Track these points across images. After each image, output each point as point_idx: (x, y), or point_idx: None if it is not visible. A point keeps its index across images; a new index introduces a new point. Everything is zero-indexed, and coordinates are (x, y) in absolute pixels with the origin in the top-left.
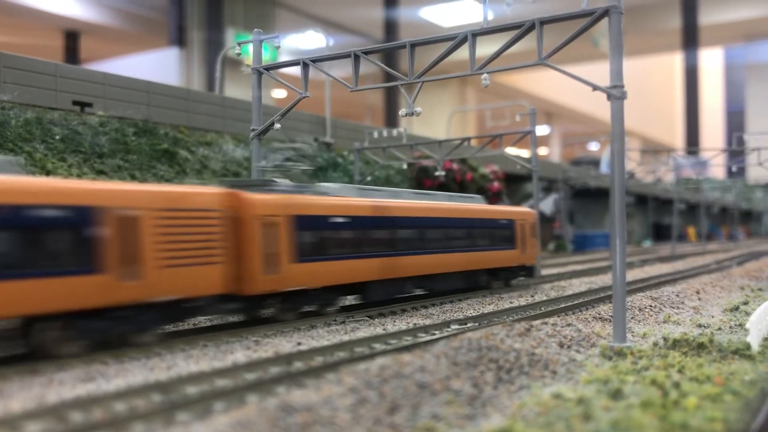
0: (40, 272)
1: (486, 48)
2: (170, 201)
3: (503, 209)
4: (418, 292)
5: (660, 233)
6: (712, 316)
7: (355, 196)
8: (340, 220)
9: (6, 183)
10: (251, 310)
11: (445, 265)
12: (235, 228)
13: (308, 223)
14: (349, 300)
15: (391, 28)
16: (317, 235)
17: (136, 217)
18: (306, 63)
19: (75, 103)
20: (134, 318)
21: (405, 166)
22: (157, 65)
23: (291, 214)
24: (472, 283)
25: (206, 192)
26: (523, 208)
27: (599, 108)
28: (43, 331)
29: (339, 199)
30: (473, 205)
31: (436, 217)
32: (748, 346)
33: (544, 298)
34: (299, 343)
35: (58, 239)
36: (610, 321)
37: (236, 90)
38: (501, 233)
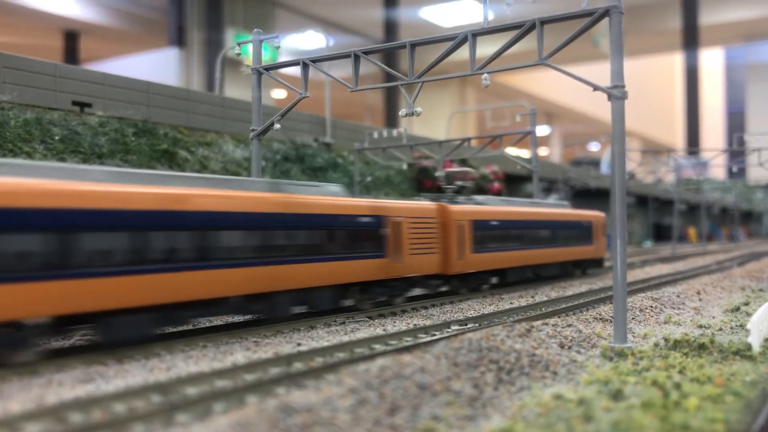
0: (362, 255)
1: (486, 48)
2: (415, 212)
3: (585, 213)
4: (530, 276)
5: (660, 234)
6: (713, 317)
7: (501, 205)
8: (495, 223)
9: (344, 201)
10: (449, 285)
11: (551, 256)
12: (443, 229)
13: (479, 225)
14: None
15: (391, 28)
16: (484, 233)
17: (400, 222)
18: (306, 63)
19: (74, 103)
20: (397, 287)
21: (405, 167)
22: (157, 65)
23: (471, 219)
24: (564, 272)
25: (430, 205)
26: (597, 212)
27: (599, 108)
28: (350, 294)
29: (493, 207)
30: (569, 210)
31: (547, 220)
32: (749, 347)
33: (545, 298)
34: (299, 344)
35: (369, 235)
36: (611, 321)
37: (236, 90)
38: (584, 233)
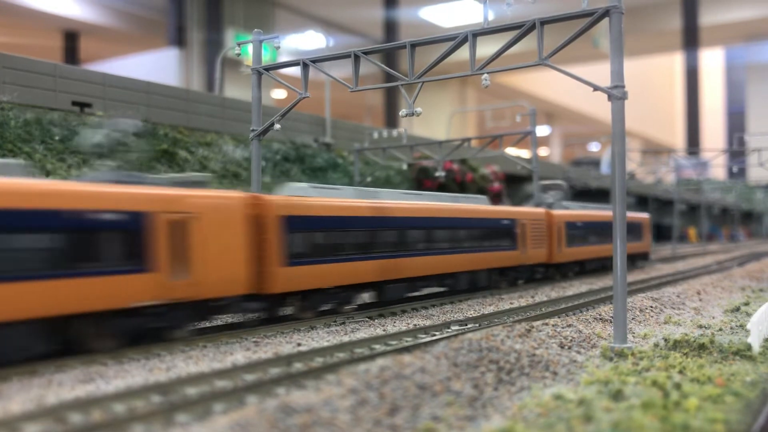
0: (504, 248)
1: (486, 48)
2: (533, 216)
3: (638, 215)
4: (600, 266)
5: (661, 234)
6: (713, 317)
7: (581, 210)
8: (580, 224)
9: (494, 208)
10: (549, 272)
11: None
12: (548, 229)
13: (570, 226)
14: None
15: (391, 28)
16: (573, 232)
17: (525, 224)
18: (306, 63)
19: (74, 103)
20: (523, 272)
21: (405, 167)
22: (157, 66)
23: (565, 221)
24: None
25: (540, 210)
26: (645, 214)
27: (600, 108)
28: (494, 276)
29: (579, 212)
30: (628, 213)
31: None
32: (749, 347)
33: (545, 298)
34: (299, 344)
35: (508, 233)
36: (611, 322)
37: (236, 90)
38: (638, 231)
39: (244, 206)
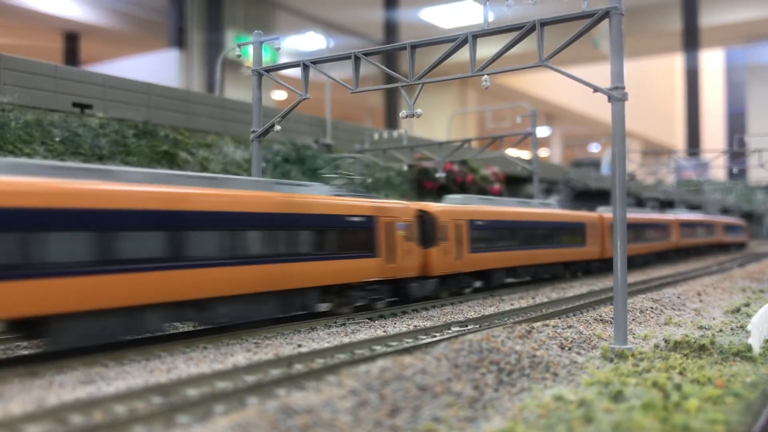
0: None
1: (486, 49)
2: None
3: (731, 220)
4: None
5: None
6: (714, 318)
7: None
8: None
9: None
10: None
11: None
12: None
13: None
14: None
15: (391, 29)
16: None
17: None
18: (306, 64)
19: (75, 104)
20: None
21: (405, 168)
22: (157, 67)
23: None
24: (721, 249)
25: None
26: (738, 218)
27: (600, 109)
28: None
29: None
30: (705, 216)
31: (701, 222)
32: (750, 348)
33: (545, 299)
34: (299, 345)
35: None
36: (611, 323)
37: (236, 92)
38: (734, 230)
39: (598, 219)
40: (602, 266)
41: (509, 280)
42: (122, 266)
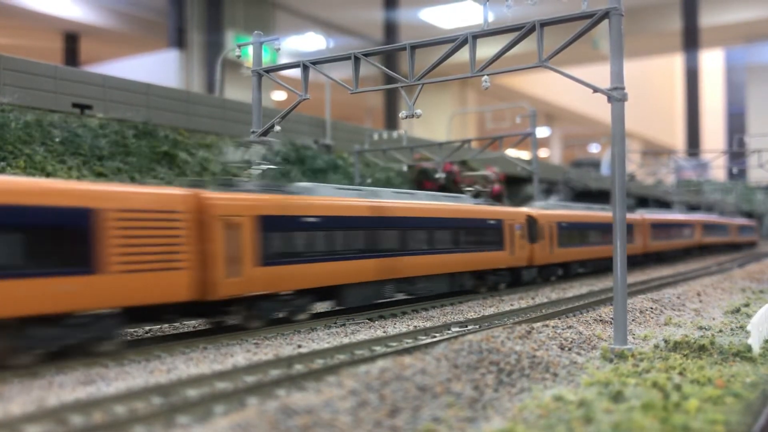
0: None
1: (486, 50)
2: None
3: (742, 221)
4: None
5: None
6: (713, 319)
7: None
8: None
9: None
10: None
11: (723, 243)
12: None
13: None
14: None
15: (391, 29)
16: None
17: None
18: (306, 65)
19: (75, 105)
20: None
21: (405, 168)
22: (157, 67)
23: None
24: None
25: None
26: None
27: (600, 110)
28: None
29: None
30: (726, 219)
31: (717, 224)
32: (749, 349)
33: (545, 300)
34: (299, 346)
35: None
36: (611, 323)
37: (236, 92)
38: (746, 230)
39: (640, 219)
40: (644, 260)
41: (580, 270)
42: (380, 254)
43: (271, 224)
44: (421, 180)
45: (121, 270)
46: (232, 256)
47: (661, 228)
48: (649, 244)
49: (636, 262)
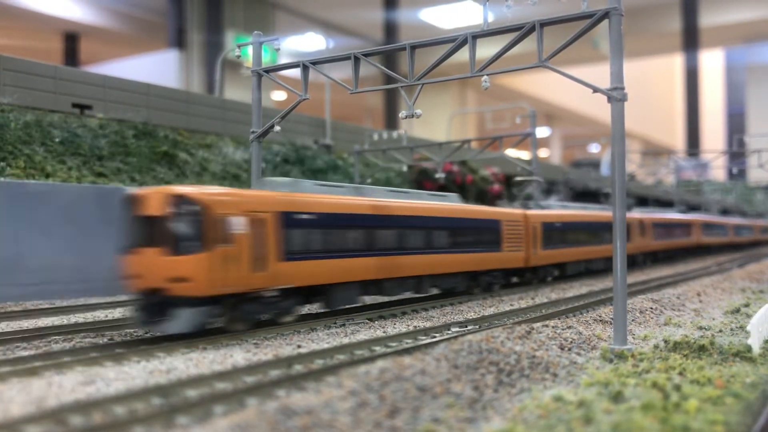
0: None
1: (486, 50)
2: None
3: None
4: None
5: None
6: (713, 319)
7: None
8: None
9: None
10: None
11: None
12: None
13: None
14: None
15: (390, 30)
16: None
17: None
18: (306, 65)
19: (74, 105)
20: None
21: (405, 169)
22: (157, 67)
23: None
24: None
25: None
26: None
27: (600, 110)
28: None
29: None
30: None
31: (740, 225)
32: (749, 349)
33: (545, 300)
34: (299, 346)
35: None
36: (611, 323)
37: (236, 92)
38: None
39: (641, 219)
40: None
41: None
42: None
43: (657, 225)
44: (421, 180)
45: None
46: (540, 243)
47: (660, 228)
48: (653, 243)
49: (631, 262)
